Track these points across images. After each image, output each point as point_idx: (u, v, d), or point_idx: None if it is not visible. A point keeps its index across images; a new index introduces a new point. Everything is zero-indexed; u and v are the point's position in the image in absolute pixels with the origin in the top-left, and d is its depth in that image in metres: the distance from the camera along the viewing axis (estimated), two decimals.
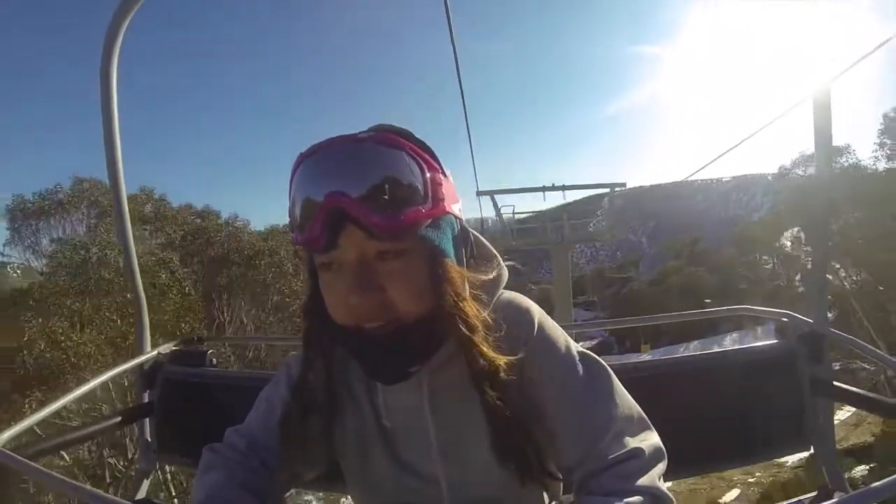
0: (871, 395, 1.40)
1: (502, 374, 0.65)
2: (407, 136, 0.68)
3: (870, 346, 1.45)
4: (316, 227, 0.61)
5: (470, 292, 0.67)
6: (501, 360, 0.65)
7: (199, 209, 13.97)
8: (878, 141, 15.29)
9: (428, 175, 0.64)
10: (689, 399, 1.39)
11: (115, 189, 1.62)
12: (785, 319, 1.53)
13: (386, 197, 0.61)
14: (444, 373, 0.72)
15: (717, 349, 1.61)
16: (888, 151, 14.79)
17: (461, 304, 0.65)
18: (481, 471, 0.74)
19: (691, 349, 22.68)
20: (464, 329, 0.64)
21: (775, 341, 1.53)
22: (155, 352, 1.72)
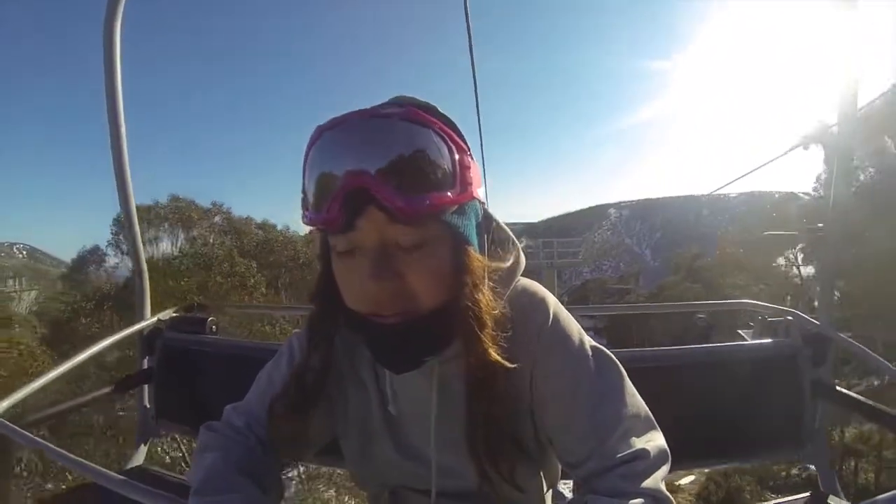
0: (871, 402, 1.38)
1: (499, 378, 0.63)
2: (433, 111, 0.63)
3: (874, 355, 1.43)
4: (334, 206, 0.56)
5: (487, 283, 0.64)
6: (503, 364, 0.62)
7: (258, 221, 17.08)
8: None
9: (456, 157, 0.60)
10: (689, 392, 1.38)
11: (118, 163, 1.61)
12: (790, 318, 1.51)
13: (412, 178, 0.56)
14: (456, 362, 0.68)
15: (716, 343, 1.59)
16: None
17: (477, 297, 0.62)
18: (476, 463, 0.71)
19: None
20: (474, 325, 0.61)
21: (779, 339, 1.51)
22: (154, 318, 1.72)
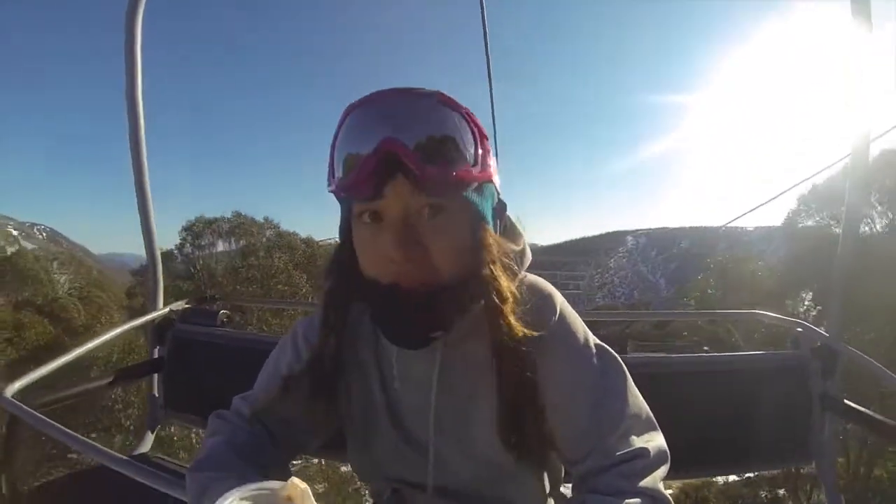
0: (879, 417, 1.37)
1: (522, 351, 0.64)
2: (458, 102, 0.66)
3: (883, 369, 1.40)
4: (364, 172, 0.59)
5: (502, 262, 0.66)
6: (526, 334, 0.64)
7: (303, 237, 17.98)
8: None
9: (478, 139, 0.64)
10: (696, 399, 1.37)
11: (136, 153, 1.65)
12: (799, 329, 1.50)
13: (440, 150, 0.60)
14: (459, 348, 0.70)
15: (727, 353, 1.58)
16: None
17: (496, 272, 0.64)
18: (479, 456, 0.74)
19: None
20: (495, 298, 0.63)
21: (788, 351, 1.50)
22: (167, 308, 1.75)
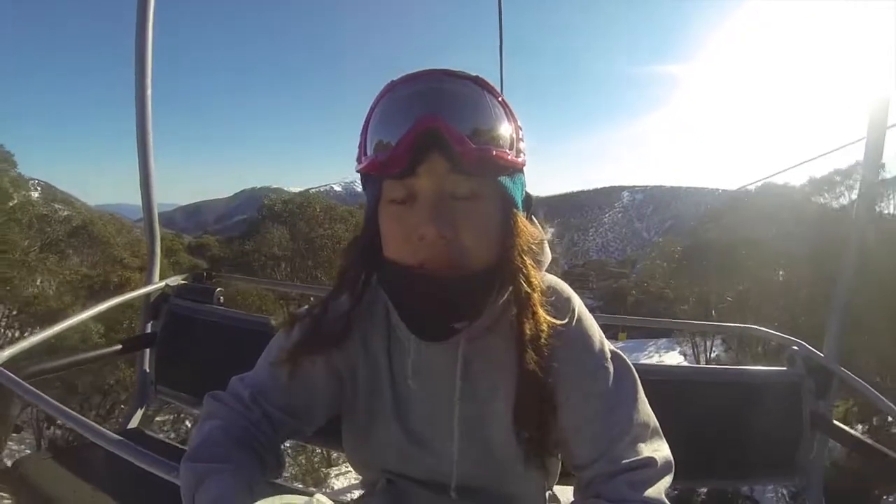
0: (868, 440, 1.37)
1: (546, 342, 0.63)
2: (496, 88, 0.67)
3: (877, 393, 1.40)
4: (402, 146, 0.58)
5: (532, 251, 0.66)
6: (552, 324, 0.64)
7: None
8: None
9: (514, 125, 0.64)
10: (688, 410, 1.37)
11: (141, 122, 1.63)
12: (795, 348, 1.50)
13: (479, 130, 0.60)
14: (480, 342, 0.69)
15: (722, 366, 1.59)
16: None
17: (526, 260, 0.63)
18: (493, 450, 0.73)
19: (660, 345, 24.67)
20: (525, 286, 0.62)
21: (782, 368, 1.50)
22: (163, 283, 1.73)
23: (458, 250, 0.60)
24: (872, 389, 1.41)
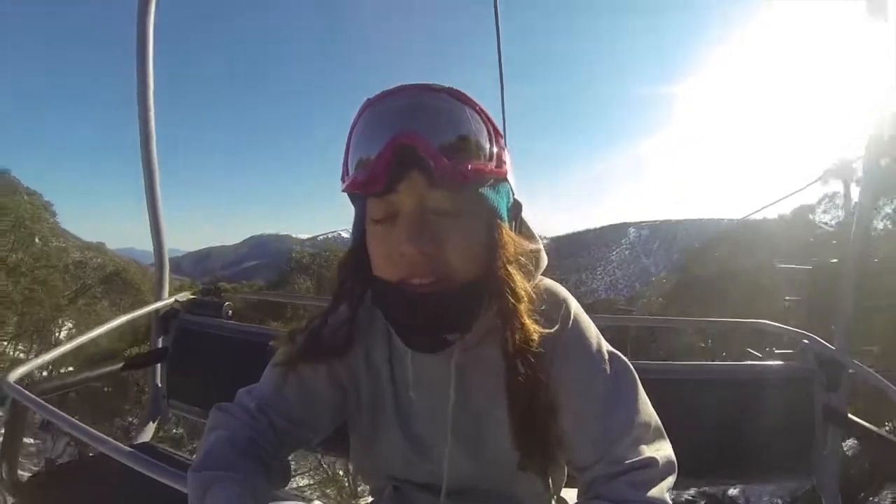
0: (884, 433, 1.36)
1: (538, 351, 0.63)
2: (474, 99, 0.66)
3: (891, 385, 1.38)
4: (379, 165, 0.58)
5: (518, 261, 0.65)
6: (541, 334, 0.63)
7: None
8: None
9: (493, 136, 0.63)
10: (697, 408, 1.37)
11: (146, 148, 1.66)
12: (806, 341, 1.48)
13: (456, 145, 0.59)
14: (475, 353, 0.70)
15: (730, 362, 1.58)
16: None
17: (512, 272, 0.63)
18: (490, 459, 0.74)
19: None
20: (510, 298, 0.62)
21: (792, 362, 1.49)
22: (172, 299, 1.75)
23: (441, 265, 0.60)
24: (884, 380, 1.39)
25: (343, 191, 0.66)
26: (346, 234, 0.69)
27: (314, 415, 0.77)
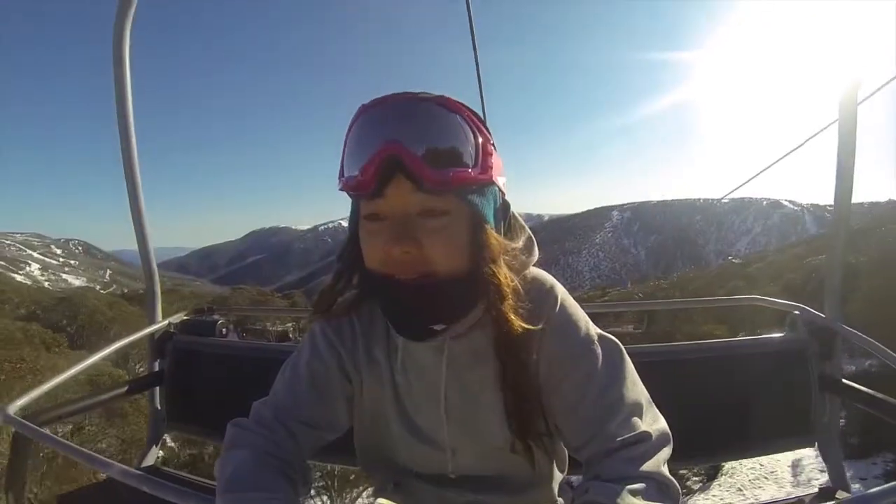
0: (881, 396, 1.36)
1: (523, 343, 0.68)
2: (463, 105, 0.70)
3: (883, 347, 1.39)
4: (368, 171, 0.63)
5: (504, 260, 0.69)
6: (524, 328, 0.67)
7: None
8: None
9: (479, 141, 0.67)
10: (696, 386, 1.38)
11: (129, 166, 1.64)
12: (797, 312, 1.50)
13: (438, 153, 0.63)
14: (466, 340, 0.74)
15: (723, 339, 1.59)
16: None
17: (496, 271, 0.66)
18: (489, 442, 0.77)
19: None
20: (494, 295, 0.66)
21: (785, 334, 1.51)
22: (165, 321, 1.74)
23: (424, 264, 0.64)
24: (879, 344, 1.39)
25: (339, 190, 0.70)
26: (345, 224, 0.73)
27: (330, 410, 0.80)
